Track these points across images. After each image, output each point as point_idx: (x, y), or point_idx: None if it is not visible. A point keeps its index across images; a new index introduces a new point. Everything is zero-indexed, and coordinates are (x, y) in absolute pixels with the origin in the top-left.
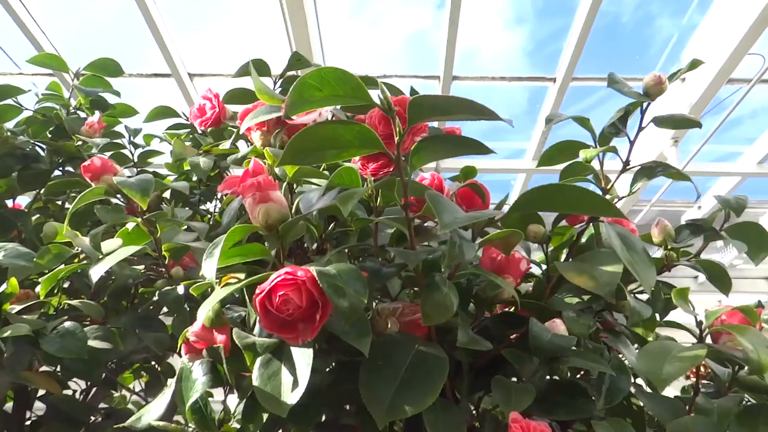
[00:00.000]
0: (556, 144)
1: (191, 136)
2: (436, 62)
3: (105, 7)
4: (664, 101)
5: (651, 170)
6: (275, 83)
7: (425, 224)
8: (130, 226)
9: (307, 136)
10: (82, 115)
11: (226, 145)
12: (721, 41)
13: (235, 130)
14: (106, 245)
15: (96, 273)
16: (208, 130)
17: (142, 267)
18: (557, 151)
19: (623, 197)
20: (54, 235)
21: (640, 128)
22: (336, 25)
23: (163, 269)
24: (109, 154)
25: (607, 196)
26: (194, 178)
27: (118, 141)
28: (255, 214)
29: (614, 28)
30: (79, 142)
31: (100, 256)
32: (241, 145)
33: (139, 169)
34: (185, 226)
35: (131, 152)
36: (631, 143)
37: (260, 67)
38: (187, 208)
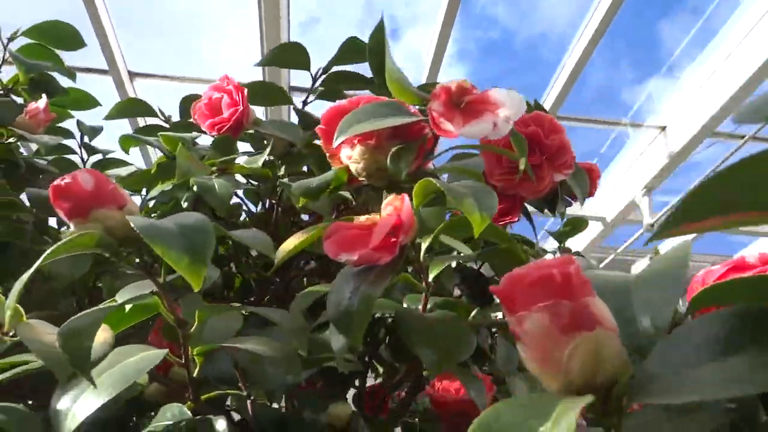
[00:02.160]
0: None
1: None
2: None
3: None
4: (641, 147)
5: None
6: (314, 79)
7: None
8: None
9: None
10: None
11: (242, 159)
12: (709, 95)
13: (257, 137)
14: None
15: (83, 412)
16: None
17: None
18: None
19: None
20: None
21: None
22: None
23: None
24: (50, 158)
25: None
26: (183, 203)
27: (65, 142)
28: (569, 362)
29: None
30: (12, 139)
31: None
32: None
33: None
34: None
35: (82, 159)
36: None
37: (294, 54)
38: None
